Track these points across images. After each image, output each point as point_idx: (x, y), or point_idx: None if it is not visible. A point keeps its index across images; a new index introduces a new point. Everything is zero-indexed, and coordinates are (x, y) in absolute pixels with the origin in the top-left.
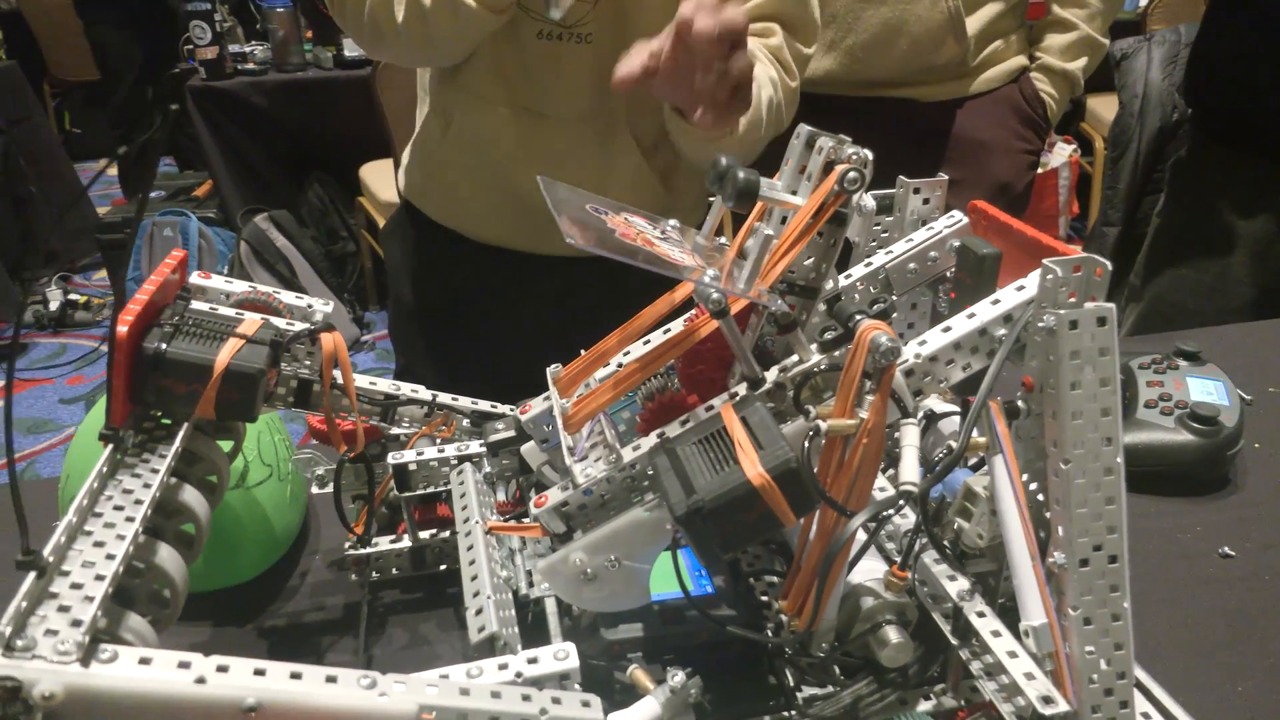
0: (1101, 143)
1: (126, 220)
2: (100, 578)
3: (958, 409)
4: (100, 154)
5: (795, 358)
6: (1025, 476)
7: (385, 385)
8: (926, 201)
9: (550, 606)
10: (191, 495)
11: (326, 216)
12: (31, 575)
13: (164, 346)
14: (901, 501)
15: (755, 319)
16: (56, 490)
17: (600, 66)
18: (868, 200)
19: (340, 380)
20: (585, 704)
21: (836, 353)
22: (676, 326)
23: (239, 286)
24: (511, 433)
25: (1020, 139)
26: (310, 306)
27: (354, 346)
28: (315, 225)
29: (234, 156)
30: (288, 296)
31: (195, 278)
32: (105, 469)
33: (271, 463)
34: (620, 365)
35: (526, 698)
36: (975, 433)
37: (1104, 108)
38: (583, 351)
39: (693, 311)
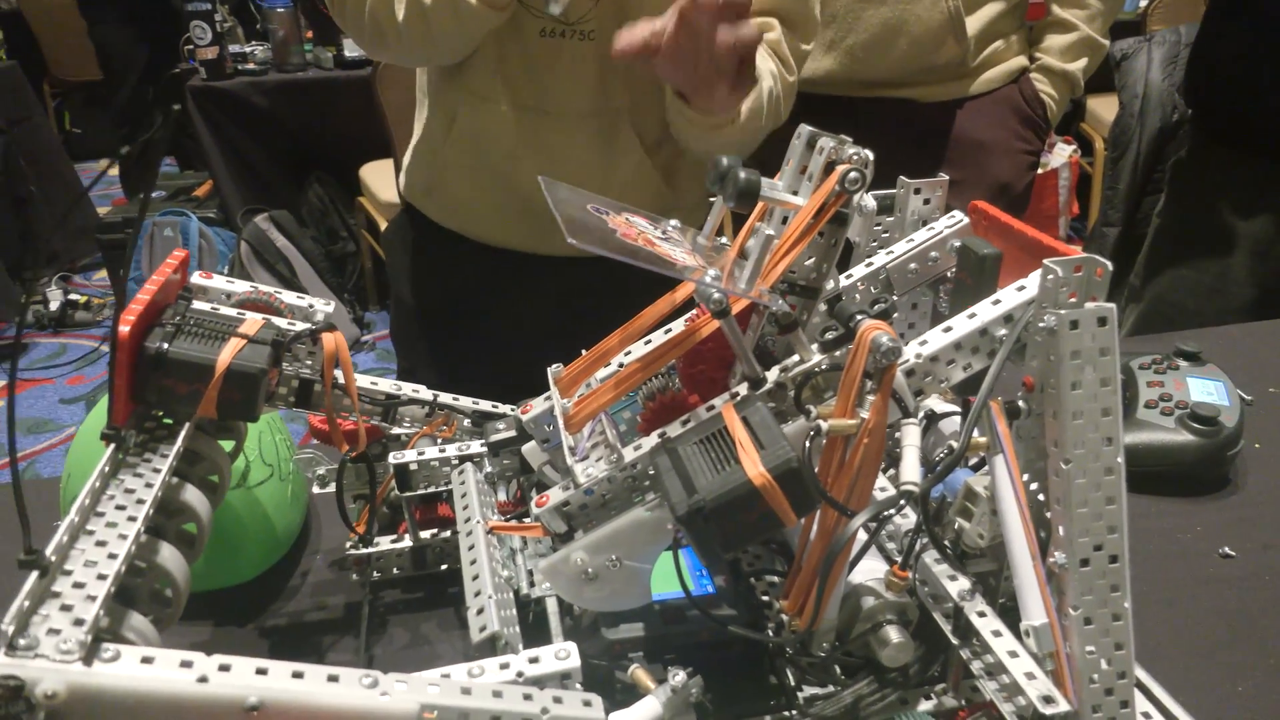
0: (1101, 143)
1: (127, 220)
2: (102, 577)
3: (958, 409)
4: (101, 154)
5: (796, 357)
6: (1026, 476)
7: (386, 385)
8: (927, 202)
9: (551, 606)
10: (193, 495)
11: (327, 216)
12: (34, 574)
13: (166, 346)
14: (902, 501)
15: (756, 319)
16: (57, 490)
17: (602, 63)
18: (869, 200)
19: (342, 380)
20: (586, 703)
21: (837, 353)
22: (678, 326)
23: (240, 286)
24: (513, 432)
25: (1020, 139)
26: (311, 306)
27: (354, 346)
28: (315, 225)
29: (234, 156)
30: (289, 296)
31: (197, 278)
32: (107, 468)
33: (273, 462)
34: (621, 365)
35: (528, 697)
36: (976, 433)
37: (1104, 108)
38: (584, 351)
39: (694, 311)
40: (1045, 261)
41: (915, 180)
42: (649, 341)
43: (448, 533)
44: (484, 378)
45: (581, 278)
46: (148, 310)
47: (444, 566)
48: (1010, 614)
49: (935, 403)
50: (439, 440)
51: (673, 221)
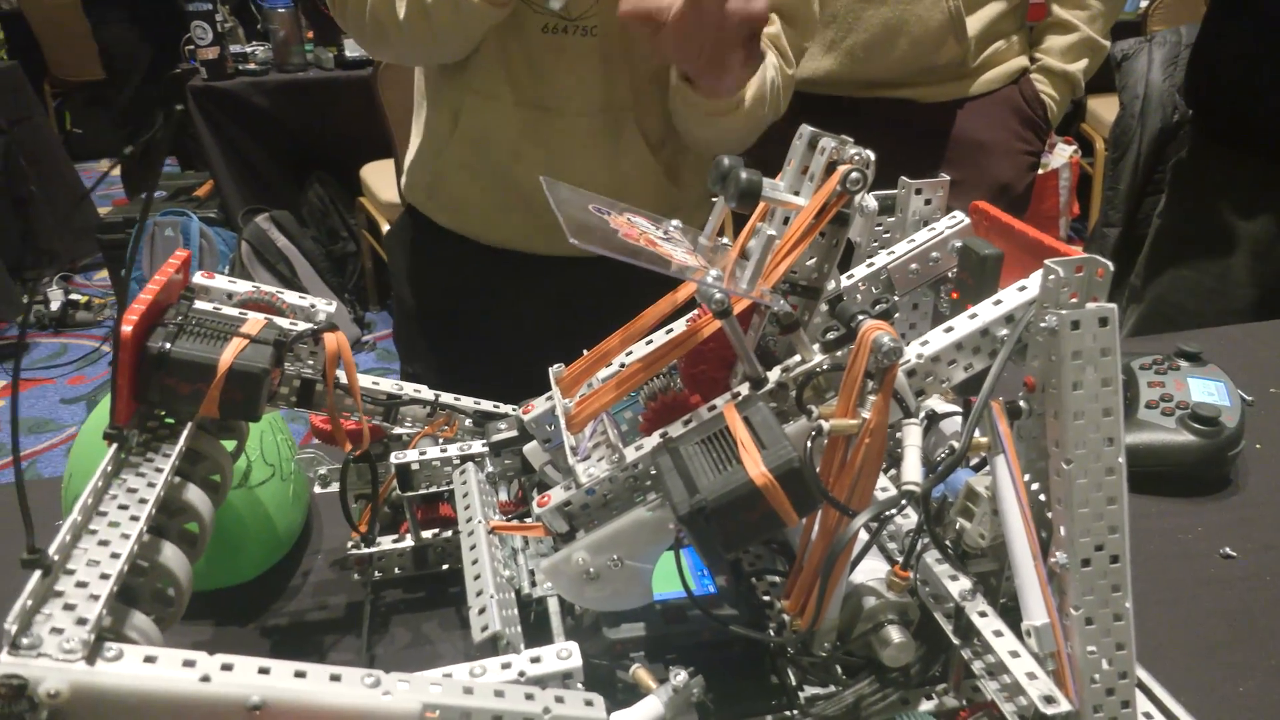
0: (1102, 144)
1: (128, 220)
2: (105, 576)
3: (960, 409)
4: (101, 154)
5: (798, 358)
6: (1027, 476)
7: (388, 385)
8: (928, 202)
9: (553, 606)
10: (195, 494)
11: (327, 216)
12: (37, 574)
13: (168, 346)
14: (903, 501)
15: (758, 319)
16: (58, 490)
17: (606, 60)
18: (870, 201)
19: (343, 380)
20: (588, 703)
21: (839, 353)
22: (679, 326)
23: (242, 286)
24: (514, 432)
25: (1021, 140)
26: (313, 306)
27: (355, 346)
28: (316, 225)
29: (235, 156)
30: (291, 296)
31: (199, 278)
32: (110, 468)
33: (274, 462)
34: (623, 365)
35: (530, 696)
36: (977, 433)
37: (1105, 109)
38: (585, 351)
39: (695, 311)
40: (1046, 262)
41: (916, 180)
42: (650, 341)
43: (449, 532)
44: (486, 378)
45: (583, 278)
46: (150, 310)
47: (445, 566)
48: (1011, 614)
49: (936, 403)
50: (440, 440)
51: (674, 222)
